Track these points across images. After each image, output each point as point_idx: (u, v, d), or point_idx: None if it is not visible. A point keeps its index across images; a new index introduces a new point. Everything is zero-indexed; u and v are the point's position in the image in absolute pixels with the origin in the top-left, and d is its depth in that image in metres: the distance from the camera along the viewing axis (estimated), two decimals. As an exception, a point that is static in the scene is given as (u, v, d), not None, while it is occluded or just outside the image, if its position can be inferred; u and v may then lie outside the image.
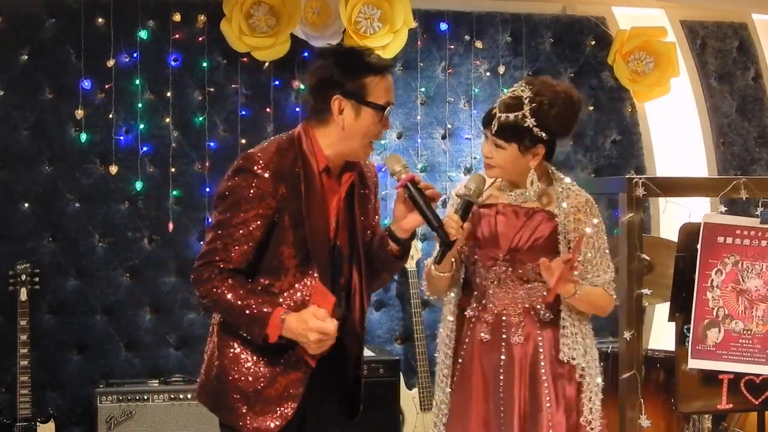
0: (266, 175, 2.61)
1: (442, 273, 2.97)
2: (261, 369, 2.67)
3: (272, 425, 2.65)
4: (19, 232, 4.66)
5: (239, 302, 2.59)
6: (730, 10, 5.55)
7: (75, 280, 4.73)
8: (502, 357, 2.98)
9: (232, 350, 2.71)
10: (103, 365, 4.73)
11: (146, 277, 4.80)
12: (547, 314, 3.00)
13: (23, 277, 4.45)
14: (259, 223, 2.61)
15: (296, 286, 2.65)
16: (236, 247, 2.61)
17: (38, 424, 4.38)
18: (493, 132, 2.93)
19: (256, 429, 2.66)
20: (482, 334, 3.00)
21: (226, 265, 2.62)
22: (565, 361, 2.98)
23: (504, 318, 3.00)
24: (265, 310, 2.57)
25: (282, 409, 2.66)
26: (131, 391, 4.44)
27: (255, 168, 2.61)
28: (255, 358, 2.68)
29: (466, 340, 3.04)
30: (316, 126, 2.70)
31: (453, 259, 2.97)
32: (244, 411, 2.68)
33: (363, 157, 2.76)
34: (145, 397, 4.44)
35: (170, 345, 4.83)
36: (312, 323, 2.53)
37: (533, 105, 2.89)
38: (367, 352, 4.79)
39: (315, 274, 2.65)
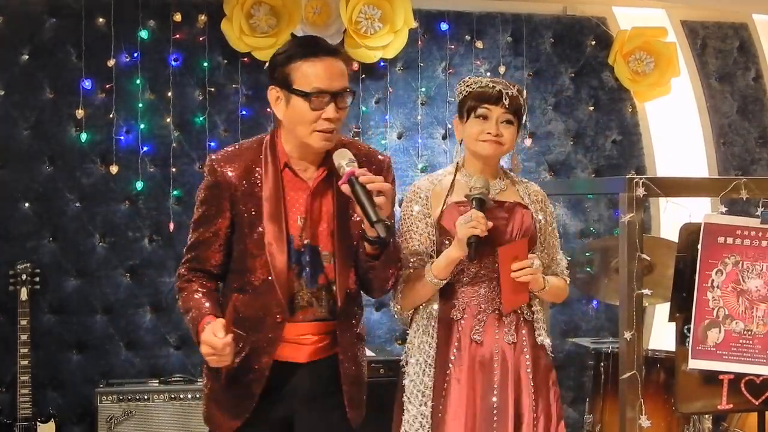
0: (221, 176, 2.64)
1: (442, 280, 2.91)
2: (228, 368, 2.66)
3: (230, 423, 2.68)
4: (19, 231, 4.66)
5: (187, 306, 2.65)
6: (731, 11, 5.54)
7: (75, 279, 4.74)
8: (496, 357, 2.97)
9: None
10: (103, 365, 4.74)
11: (146, 277, 4.80)
12: (529, 312, 3.04)
13: (23, 277, 4.45)
14: (220, 223, 2.65)
15: (260, 286, 2.64)
16: (204, 247, 2.67)
17: (38, 423, 4.38)
18: (507, 106, 2.94)
19: (219, 428, 2.72)
20: (475, 336, 2.97)
21: (197, 263, 2.68)
22: (539, 344, 3.05)
23: (495, 318, 2.99)
24: (199, 317, 2.59)
25: (242, 406, 2.66)
26: (131, 391, 4.44)
27: (214, 169, 2.65)
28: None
29: (456, 344, 2.97)
30: (279, 124, 2.71)
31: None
32: (216, 413, 2.74)
33: (317, 148, 2.62)
34: (146, 397, 4.44)
35: (170, 345, 4.83)
36: (206, 336, 2.48)
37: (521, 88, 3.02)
38: (368, 352, 4.78)
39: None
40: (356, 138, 5.01)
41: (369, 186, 2.50)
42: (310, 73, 2.56)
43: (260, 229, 2.61)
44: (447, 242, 2.93)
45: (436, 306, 2.97)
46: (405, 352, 3.04)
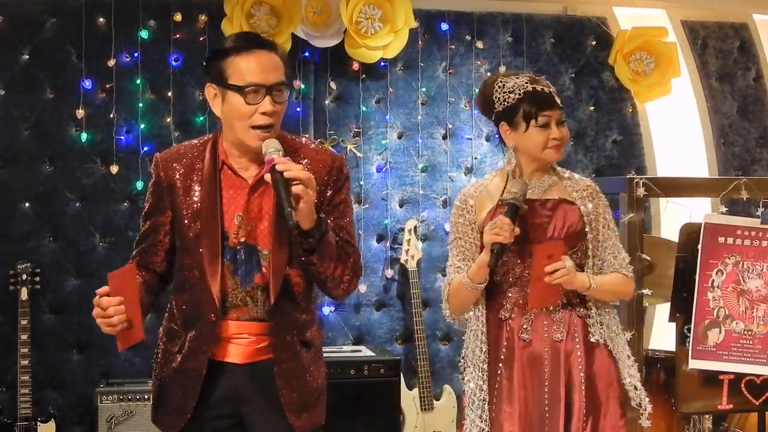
0: (161, 174, 2.66)
1: (478, 284, 2.92)
2: (169, 366, 2.68)
3: (173, 423, 2.66)
4: (19, 231, 4.66)
5: None
6: (731, 11, 5.54)
7: (75, 279, 4.74)
8: (546, 355, 2.97)
9: (158, 352, 2.77)
10: (103, 365, 4.73)
11: (147, 277, 4.79)
12: (581, 308, 3.02)
13: (24, 277, 4.45)
14: (160, 219, 2.66)
15: (195, 283, 2.63)
16: (145, 242, 2.70)
17: (39, 423, 4.37)
18: (561, 107, 2.96)
19: (164, 426, 2.70)
20: (523, 335, 2.97)
21: (140, 259, 2.71)
22: (594, 341, 3.00)
23: (543, 316, 2.99)
24: None
25: (183, 406, 2.64)
26: (132, 391, 4.44)
27: (156, 168, 2.68)
28: (162, 356, 2.72)
29: (504, 343, 2.98)
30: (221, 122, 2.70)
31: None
32: (160, 412, 2.72)
33: (253, 144, 2.55)
34: (146, 397, 4.43)
35: (171, 345, 4.83)
36: (95, 300, 2.53)
37: None
38: (368, 352, 4.80)
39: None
40: (356, 138, 5.01)
41: (286, 174, 2.42)
42: (243, 68, 2.52)
43: (194, 227, 2.61)
44: None
45: (483, 309, 3.00)
46: (463, 357, 3.06)
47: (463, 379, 3.04)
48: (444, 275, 3.36)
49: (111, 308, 2.51)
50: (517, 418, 2.93)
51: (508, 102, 2.96)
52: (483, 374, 2.96)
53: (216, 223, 2.58)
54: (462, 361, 3.06)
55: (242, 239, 2.60)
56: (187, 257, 2.63)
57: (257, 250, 2.62)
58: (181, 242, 2.65)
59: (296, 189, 2.41)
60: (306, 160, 2.64)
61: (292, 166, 2.44)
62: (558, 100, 2.95)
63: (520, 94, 2.94)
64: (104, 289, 2.51)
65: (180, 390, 2.65)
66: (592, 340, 2.99)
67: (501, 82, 2.99)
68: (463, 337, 3.08)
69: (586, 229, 2.99)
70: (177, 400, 2.65)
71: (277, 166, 2.42)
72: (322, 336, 2.86)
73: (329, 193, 2.66)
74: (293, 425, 2.63)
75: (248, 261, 2.61)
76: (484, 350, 2.97)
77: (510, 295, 2.98)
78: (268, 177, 2.45)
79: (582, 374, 2.96)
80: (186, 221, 2.62)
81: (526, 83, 2.95)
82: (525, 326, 2.98)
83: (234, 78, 2.53)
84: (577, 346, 2.98)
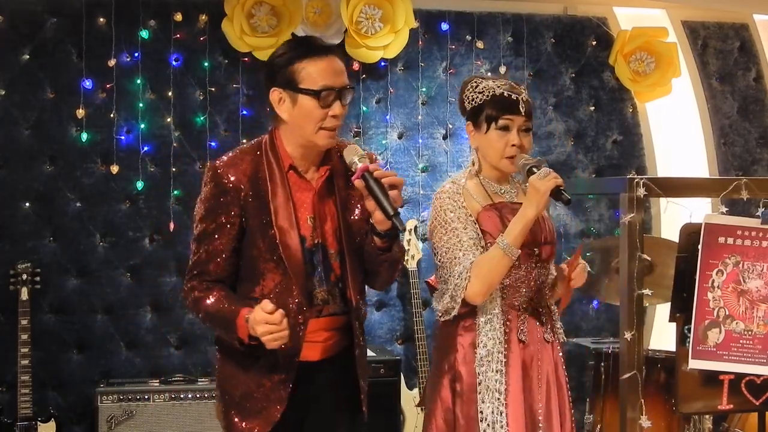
0: (228, 182, 2.63)
1: (518, 251, 2.85)
2: (246, 374, 2.68)
3: (256, 429, 2.66)
4: (20, 231, 4.66)
5: (215, 309, 2.62)
6: (732, 11, 5.54)
7: (76, 279, 4.74)
8: (537, 356, 2.99)
9: (223, 361, 2.76)
10: (103, 365, 4.74)
11: (147, 277, 4.80)
12: (557, 311, 3.10)
13: (24, 277, 4.46)
14: (229, 231, 2.64)
15: (276, 289, 2.64)
16: (215, 258, 2.66)
17: (39, 423, 4.38)
18: (525, 113, 2.95)
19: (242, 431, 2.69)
20: (521, 336, 2.97)
21: (208, 276, 2.67)
22: (560, 341, 3.13)
23: (536, 318, 3.01)
24: (232, 312, 2.58)
25: (267, 412, 2.65)
26: (132, 391, 4.44)
27: (218, 176, 2.65)
28: (241, 364, 2.69)
29: (506, 345, 2.96)
30: (277, 126, 2.72)
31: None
32: (236, 420, 2.70)
33: (323, 146, 2.65)
34: (146, 397, 4.44)
35: (171, 345, 4.83)
36: (258, 315, 2.49)
37: None
38: (368, 352, 4.79)
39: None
40: (356, 138, 5.01)
41: (383, 180, 2.54)
42: (315, 73, 2.59)
43: (272, 233, 2.62)
44: (488, 244, 2.92)
45: (500, 300, 2.95)
46: (475, 367, 2.95)
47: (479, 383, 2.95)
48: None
49: (283, 319, 2.51)
50: (523, 420, 2.93)
51: (475, 102, 2.98)
52: (501, 365, 2.91)
53: (294, 227, 2.63)
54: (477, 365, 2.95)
55: (317, 240, 2.67)
56: (263, 264, 2.64)
57: (327, 249, 2.70)
58: (256, 249, 2.65)
59: (393, 194, 2.54)
60: None
61: (388, 173, 2.58)
62: (523, 109, 2.93)
63: (487, 96, 2.95)
64: (271, 306, 2.50)
65: (264, 396, 2.66)
66: (561, 339, 3.11)
67: (475, 82, 3.01)
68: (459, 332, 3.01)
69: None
70: (259, 406, 2.66)
71: (374, 174, 2.55)
72: None
73: None
74: (365, 413, 2.75)
75: (324, 261, 2.69)
76: (502, 341, 2.92)
77: (505, 297, 2.98)
78: (359, 183, 2.55)
79: (566, 374, 3.07)
80: (260, 228, 2.63)
81: (497, 87, 2.96)
82: (521, 328, 2.98)
83: (307, 82, 2.60)
84: (558, 347, 3.07)
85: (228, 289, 2.68)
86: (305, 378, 2.69)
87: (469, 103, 3.00)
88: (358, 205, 2.71)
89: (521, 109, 2.93)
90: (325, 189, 2.71)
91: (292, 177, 2.68)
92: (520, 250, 2.86)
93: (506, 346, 2.95)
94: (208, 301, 2.63)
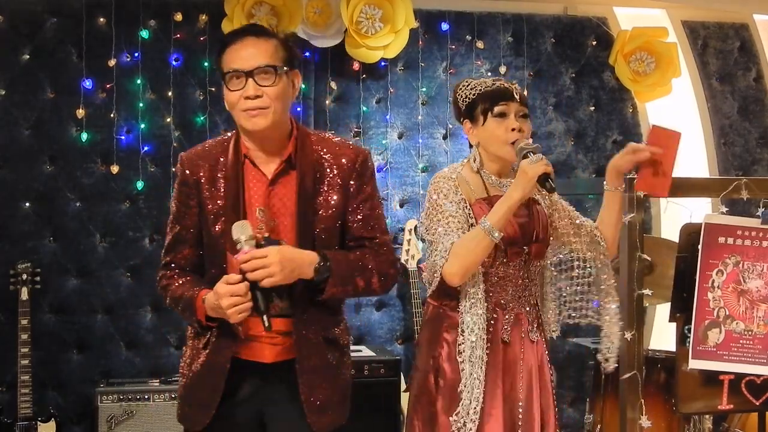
0: (189, 172, 2.67)
1: (500, 234, 2.82)
2: (198, 362, 2.67)
3: (198, 418, 2.66)
4: (20, 231, 4.66)
5: (179, 294, 2.64)
6: (732, 11, 5.54)
7: (76, 279, 4.74)
8: (521, 356, 2.98)
9: (188, 350, 2.76)
10: (103, 365, 4.74)
11: (147, 277, 4.79)
12: (543, 309, 3.09)
13: (24, 277, 4.46)
14: (190, 220, 2.67)
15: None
16: (180, 245, 2.70)
17: (39, 423, 4.38)
18: (520, 100, 2.96)
19: (189, 423, 2.71)
20: (503, 336, 2.97)
21: (177, 264, 2.70)
22: (547, 339, 3.12)
23: (522, 317, 3.00)
24: (193, 295, 2.58)
25: (209, 402, 2.64)
26: (132, 391, 4.45)
27: (181, 167, 2.70)
28: (194, 353, 2.70)
29: (488, 344, 2.95)
30: None
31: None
32: (186, 409, 2.73)
33: (250, 127, 2.58)
34: (146, 397, 4.44)
35: (171, 344, 4.83)
36: (221, 289, 2.47)
37: None
38: (368, 352, 4.80)
39: None
40: (356, 138, 5.01)
41: (249, 276, 2.46)
42: (229, 57, 2.60)
43: (221, 222, 2.62)
44: None
45: (483, 293, 2.92)
46: (459, 353, 2.94)
47: (446, 369, 2.95)
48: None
49: (248, 291, 2.47)
50: (501, 420, 2.93)
51: (468, 99, 3.01)
52: (482, 362, 2.89)
53: (238, 218, 2.59)
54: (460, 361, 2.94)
55: (265, 234, 2.60)
56: (212, 253, 2.65)
57: (280, 244, 2.59)
58: (208, 239, 2.65)
59: (266, 283, 2.46)
60: (329, 156, 2.67)
61: (257, 272, 2.45)
62: (517, 95, 2.97)
63: (480, 90, 2.99)
64: (236, 276, 2.47)
65: (206, 386, 2.65)
66: (549, 337, 3.12)
67: (466, 82, 3.05)
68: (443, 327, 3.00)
69: (556, 224, 3.09)
70: (203, 396, 2.66)
71: (244, 266, 2.46)
72: (349, 334, 2.84)
73: (353, 187, 2.67)
74: (312, 424, 2.64)
75: None
76: (485, 338, 2.91)
77: (491, 295, 2.97)
78: (241, 262, 2.47)
79: (553, 377, 3.07)
80: (212, 217, 2.63)
81: (488, 81, 3.01)
82: (506, 327, 2.98)
83: (224, 70, 2.61)
84: (544, 347, 3.06)
85: (195, 276, 2.68)
86: (256, 379, 2.66)
87: (462, 101, 3.02)
88: (327, 206, 2.65)
89: (515, 95, 2.96)
90: (284, 182, 2.64)
91: (247, 167, 2.66)
92: (502, 233, 2.83)
93: (489, 345, 2.94)
94: (173, 287, 2.67)
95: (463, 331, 2.91)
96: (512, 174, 3.06)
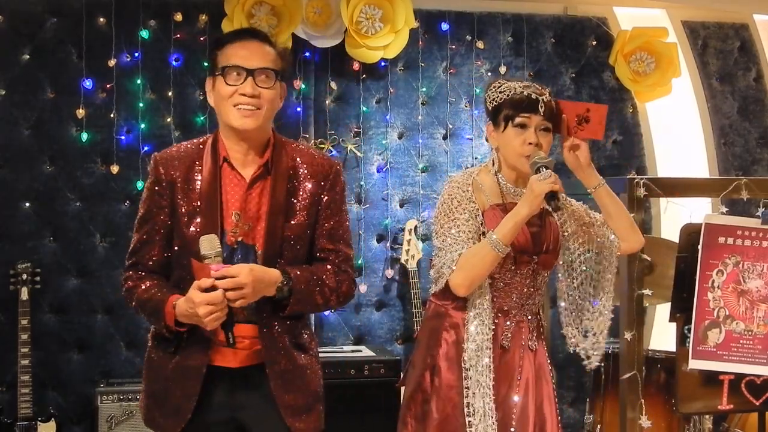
0: (162, 173, 2.65)
1: (507, 247, 2.84)
2: (169, 368, 2.65)
3: (170, 424, 2.64)
4: (20, 231, 4.66)
5: (146, 298, 2.62)
6: (732, 11, 5.54)
7: (76, 279, 4.74)
8: (520, 365, 2.98)
9: (150, 353, 2.75)
10: (103, 364, 4.74)
11: (147, 277, 4.79)
12: (543, 317, 3.09)
13: (24, 277, 4.45)
14: (160, 221, 2.66)
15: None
16: (147, 247, 2.67)
17: (39, 423, 4.38)
18: (544, 113, 2.92)
19: (160, 428, 2.68)
20: (503, 342, 2.97)
21: (143, 267, 2.67)
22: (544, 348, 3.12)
23: (523, 324, 3.00)
24: (160, 300, 2.57)
25: (182, 407, 2.62)
26: (132, 391, 4.44)
27: (154, 167, 2.68)
28: (163, 358, 2.68)
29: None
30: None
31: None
32: (156, 414, 2.69)
33: (237, 125, 2.59)
34: (146, 397, 4.44)
35: (171, 344, 4.83)
36: (197, 298, 2.44)
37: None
38: (368, 352, 4.80)
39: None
40: (356, 138, 5.01)
41: (230, 295, 2.46)
42: (229, 53, 2.62)
43: (195, 224, 2.60)
44: None
45: (489, 298, 2.93)
46: (464, 361, 2.93)
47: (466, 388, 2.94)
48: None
49: (222, 297, 2.47)
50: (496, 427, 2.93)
51: (495, 101, 2.98)
52: (490, 359, 2.90)
53: (216, 221, 2.58)
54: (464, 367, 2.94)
55: (239, 238, 2.60)
56: (183, 254, 2.62)
57: (255, 250, 2.61)
58: (181, 240, 2.63)
59: (238, 304, 2.47)
60: (304, 166, 2.68)
61: (237, 283, 2.45)
62: (543, 109, 2.91)
63: (507, 95, 2.95)
64: (208, 281, 2.46)
65: (179, 391, 2.63)
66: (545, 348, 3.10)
67: (498, 83, 3.01)
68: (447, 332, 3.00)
69: (566, 234, 3.07)
70: (175, 401, 2.64)
71: (218, 284, 2.45)
72: (317, 342, 2.83)
73: (325, 198, 2.69)
74: (294, 427, 2.64)
75: (245, 260, 2.59)
76: (490, 337, 2.91)
77: (495, 300, 2.97)
78: (215, 278, 2.46)
79: (554, 387, 3.05)
80: (186, 219, 2.61)
81: (519, 86, 2.96)
82: (506, 333, 2.98)
83: (221, 63, 2.62)
84: (546, 355, 3.06)
85: (162, 279, 2.67)
86: (224, 384, 2.65)
87: (490, 103, 3.00)
88: (300, 211, 2.66)
89: (540, 108, 2.91)
90: (262, 186, 2.65)
91: (225, 170, 2.65)
92: (509, 248, 2.85)
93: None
94: (140, 290, 2.64)
95: (467, 339, 2.92)
96: (525, 181, 3.05)
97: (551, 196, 2.80)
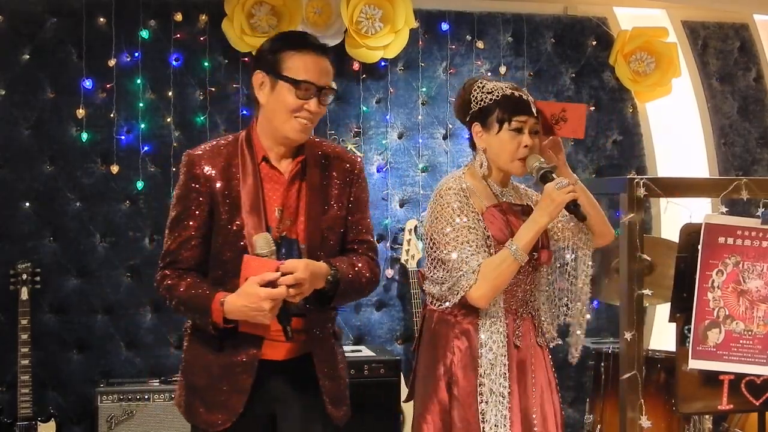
0: (199, 170, 2.66)
1: (525, 256, 2.84)
2: (213, 363, 2.67)
3: (219, 419, 2.65)
4: (20, 231, 4.66)
5: (189, 296, 2.62)
6: (732, 11, 5.55)
7: (76, 279, 4.74)
8: (531, 360, 2.98)
9: (190, 349, 2.76)
10: (103, 364, 4.74)
11: (147, 277, 4.79)
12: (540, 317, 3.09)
13: (24, 277, 4.46)
14: (198, 218, 2.66)
15: (239, 279, 2.60)
16: (186, 245, 2.67)
17: (39, 423, 4.38)
18: (535, 115, 2.93)
19: (207, 423, 2.68)
20: (515, 341, 2.97)
21: (181, 264, 2.67)
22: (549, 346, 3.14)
23: (529, 321, 3.01)
24: (206, 298, 2.58)
25: (230, 403, 2.64)
26: (132, 391, 4.45)
27: (190, 164, 2.68)
28: (207, 354, 2.69)
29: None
30: (256, 115, 2.74)
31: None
32: (201, 410, 2.70)
33: (293, 137, 2.66)
34: (146, 397, 4.44)
35: (171, 344, 4.83)
36: (262, 293, 2.48)
37: None
38: (368, 352, 4.80)
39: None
40: (356, 138, 5.01)
41: (292, 292, 2.52)
42: (300, 65, 2.62)
43: (238, 222, 2.62)
44: (493, 245, 2.90)
45: (502, 303, 2.93)
46: (480, 367, 2.94)
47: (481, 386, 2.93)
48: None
49: (285, 293, 2.51)
50: (520, 426, 2.92)
51: (484, 102, 2.95)
52: (505, 368, 2.90)
53: (261, 218, 2.62)
54: (480, 368, 2.93)
55: (283, 233, 2.65)
56: (229, 251, 2.64)
57: (297, 244, 2.67)
58: (223, 238, 2.65)
59: (296, 299, 2.53)
60: (333, 160, 2.76)
61: (288, 280, 2.50)
62: (534, 110, 2.93)
63: (497, 96, 2.93)
64: (274, 275, 2.50)
65: (226, 386, 2.65)
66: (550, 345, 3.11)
67: (481, 83, 2.99)
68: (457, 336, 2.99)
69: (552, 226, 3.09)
70: (223, 397, 2.65)
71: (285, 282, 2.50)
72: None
73: (354, 190, 2.77)
74: (332, 416, 2.71)
75: (289, 255, 2.63)
76: (505, 344, 2.91)
77: (503, 299, 2.96)
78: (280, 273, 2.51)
79: (556, 379, 3.07)
80: (227, 216, 2.63)
81: (506, 87, 2.96)
82: (517, 332, 2.98)
83: (290, 71, 2.62)
84: (547, 351, 3.07)
85: (201, 276, 2.67)
86: (270, 377, 2.68)
87: (476, 103, 2.97)
88: (334, 204, 2.73)
89: (532, 110, 2.92)
90: (300, 183, 2.70)
91: (264, 168, 2.69)
92: (528, 256, 2.86)
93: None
94: (181, 288, 2.64)
95: (481, 346, 2.91)
96: (511, 185, 3.07)
97: (573, 205, 2.82)
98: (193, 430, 2.77)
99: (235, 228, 2.62)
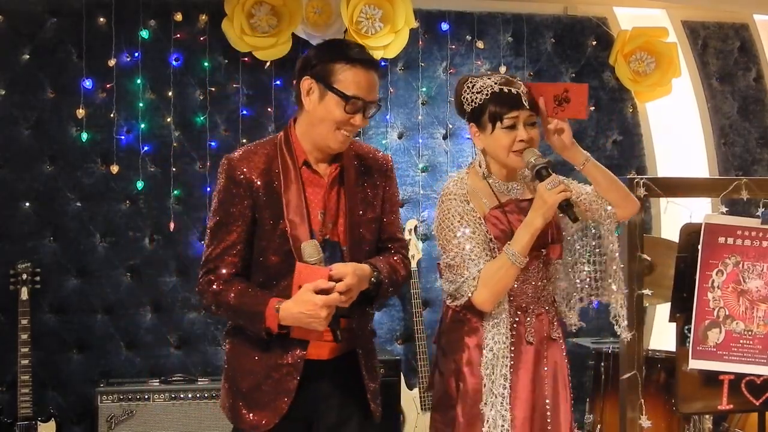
0: (240, 174, 2.66)
1: (525, 259, 2.84)
2: (257, 365, 2.69)
3: (264, 421, 2.67)
4: (20, 231, 4.66)
5: (238, 303, 2.63)
6: (732, 11, 5.54)
7: (76, 279, 4.74)
8: (544, 355, 2.97)
9: (233, 353, 2.77)
10: (103, 364, 4.74)
11: (147, 277, 4.80)
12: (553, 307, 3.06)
13: (24, 276, 4.46)
14: (242, 223, 2.66)
15: (285, 283, 2.64)
16: (229, 251, 2.67)
17: (39, 423, 4.38)
18: (529, 107, 2.90)
19: (250, 425, 2.69)
20: (528, 338, 2.96)
21: (224, 270, 2.67)
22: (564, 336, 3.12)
23: (543, 316, 2.99)
24: (259, 304, 2.60)
25: (275, 404, 2.66)
26: (132, 391, 4.44)
27: (231, 169, 2.68)
28: (253, 354, 2.70)
29: (512, 347, 2.94)
30: (297, 116, 2.75)
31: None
32: (244, 412, 2.71)
33: (335, 148, 2.69)
34: (146, 397, 4.44)
35: (171, 344, 4.83)
36: (320, 300, 2.52)
37: None
38: (368, 352, 4.79)
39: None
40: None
41: (345, 297, 2.58)
42: (352, 79, 2.63)
43: (282, 226, 2.64)
44: (496, 247, 2.90)
45: (506, 302, 2.93)
46: (482, 367, 2.94)
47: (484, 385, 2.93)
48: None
49: (339, 299, 2.58)
50: (530, 424, 2.92)
51: (475, 103, 2.92)
52: (507, 369, 2.90)
53: (304, 221, 2.65)
54: (482, 367, 2.92)
55: (326, 236, 2.69)
56: (273, 256, 2.66)
57: (339, 246, 2.71)
58: (266, 242, 2.66)
59: (346, 303, 2.58)
60: (367, 161, 2.82)
61: (341, 287, 2.56)
62: (526, 102, 2.89)
63: (486, 95, 2.90)
64: (328, 283, 2.56)
65: (271, 387, 2.67)
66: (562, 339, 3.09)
67: (470, 82, 2.95)
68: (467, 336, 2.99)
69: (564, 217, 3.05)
70: (267, 398, 2.67)
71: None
72: None
73: (388, 190, 2.84)
74: (374, 412, 2.79)
75: (332, 257, 2.66)
76: (508, 344, 2.91)
77: (513, 298, 2.96)
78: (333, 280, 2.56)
79: (569, 374, 3.05)
80: (271, 221, 2.65)
81: (494, 84, 2.90)
82: (529, 329, 2.97)
83: (341, 85, 2.63)
84: (563, 346, 3.05)
85: (247, 282, 2.68)
86: (313, 376, 2.70)
87: (468, 105, 2.94)
88: (370, 204, 2.78)
89: (524, 102, 2.88)
90: (339, 185, 2.74)
91: (304, 172, 2.71)
92: (527, 259, 2.84)
93: (513, 348, 2.93)
94: (231, 294, 2.64)
95: (485, 346, 2.91)
96: (519, 179, 3.03)
97: (566, 205, 2.80)
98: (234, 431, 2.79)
99: (279, 232, 2.64)
